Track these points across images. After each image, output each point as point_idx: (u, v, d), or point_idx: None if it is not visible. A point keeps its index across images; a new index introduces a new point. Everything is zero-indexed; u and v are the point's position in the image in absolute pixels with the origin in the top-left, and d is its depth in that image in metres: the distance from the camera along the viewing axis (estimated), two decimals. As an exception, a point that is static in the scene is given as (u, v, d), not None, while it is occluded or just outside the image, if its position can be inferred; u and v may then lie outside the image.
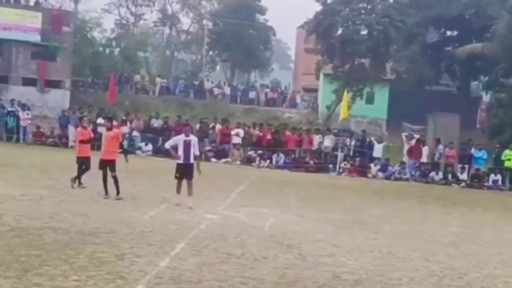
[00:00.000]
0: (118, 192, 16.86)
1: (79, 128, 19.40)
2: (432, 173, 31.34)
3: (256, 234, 13.25)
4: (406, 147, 32.97)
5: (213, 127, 34.48)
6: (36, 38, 43.85)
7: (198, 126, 33.51)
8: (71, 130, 32.23)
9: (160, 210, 15.64)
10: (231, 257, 11.13)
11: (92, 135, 19.11)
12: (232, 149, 32.93)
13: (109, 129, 17.47)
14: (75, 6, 61.68)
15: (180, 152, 16.47)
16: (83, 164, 18.25)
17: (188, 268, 10.08)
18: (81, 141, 18.50)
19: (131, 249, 11.02)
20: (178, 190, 16.53)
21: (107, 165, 16.85)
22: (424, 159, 32.08)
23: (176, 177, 16.55)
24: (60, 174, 17.96)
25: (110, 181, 16.81)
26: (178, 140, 16.87)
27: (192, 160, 16.53)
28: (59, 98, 43.81)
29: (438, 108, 44.37)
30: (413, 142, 32.74)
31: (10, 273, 8.98)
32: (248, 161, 32.44)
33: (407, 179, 30.88)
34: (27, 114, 34.26)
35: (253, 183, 23.77)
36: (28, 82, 43.94)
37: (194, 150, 16.82)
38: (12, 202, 14.93)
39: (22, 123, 33.75)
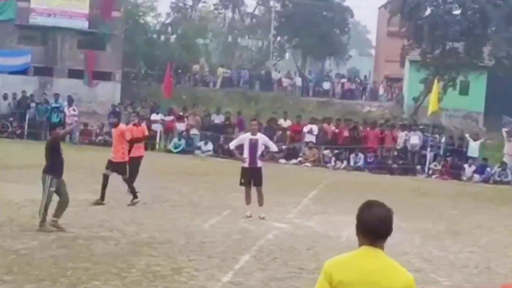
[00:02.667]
0: (134, 197, 16.75)
1: (130, 125, 19.58)
2: (540, 176, 30.67)
3: (332, 246, 13.20)
4: (507, 145, 32.32)
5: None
6: (83, 25, 44.75)
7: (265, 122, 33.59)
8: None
9: (222, 217, 15.75)
10: (303, 271, 11.12)
11: (146, 132, 19.22)
12: (303, 148, 32.91)
13: (115, 125, 17.48)
14: (126, -12, 62.71)
15: (246, 153, 16.26)
16: (134, 166, 18.30)
17: (254, 284, 10.11)
18: (130, 141, 18.69)
19: (189, 262, 11.13)
20: (247, 200, 16.26)
21: (113, 167, 16.75)
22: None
23: (241, 184, 16.36)
24: (111, 177, 18.23)
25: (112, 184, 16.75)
26: (243, 139, 16.70)
27: (259, 164, 16.32)
28: (109, 92, 44.60)
29: (546, 98, 43.40)
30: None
31: (56, 287, 9.20)
32: (323, 161, 32.37)
33: (508, 182, 30.27)
34: (74, 110, 34.94)
35: (327, 187, 23.70)
36: (74, 74, 44.85)
37: (269, 147, 16.81)
38: (58, 209, 15.25)
39: (68, 120, 34.35)
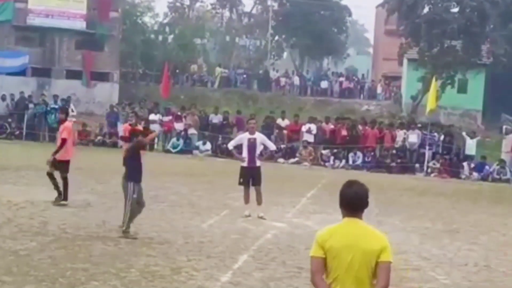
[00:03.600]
0: (64, 197, 15.94)
1: (126, 124, 19.59)
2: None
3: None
4: (506, 143, 32.34)
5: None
6: (81, 25, 44.83)
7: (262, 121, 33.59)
8: (120, 128, 32.76)
9: (221, 217, 15.75)
10: (302, 271, 11.12)
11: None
12: (300, 147, 32.91)
13: (62, 122, 16.77)
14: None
15: (245, 153, 16.26)
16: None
17: (252, 283, 10.13)
18: (122, 138, 18.67)
19: (188, 262, 11.14)
20: (246, 200, 16.24)
21: (56, 165, 16.08)
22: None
23: (240, 183, 16.36)
24: (110, 177, 18.27)
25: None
26: (242, 139, 16.70)
27: (258, 163, 16.31)
28: (107, 92, 44.67)
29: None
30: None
31: (55, 288, 9.21)
32: (320, 160, 32.39)
33: (507, 180, 30.28)
34: (72, 110, 34.83)
35: (326, 187, 23.68)
36: (72, 75, 44.91)
37: (267, 146, 16.83)
38: (56, 210, 15.29)
39: (66, 121, 34.38)
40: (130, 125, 18.91)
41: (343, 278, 5.42)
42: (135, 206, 12.77)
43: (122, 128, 19.22)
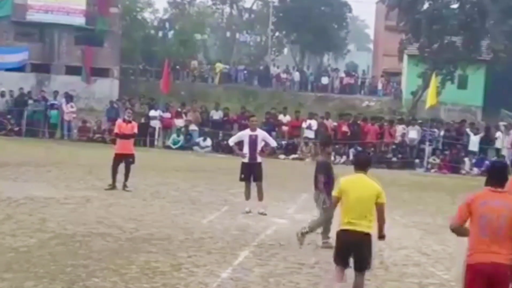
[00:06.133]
0: None
1: (119, 120, 19.56)
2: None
3: (332, 240, 13.18)
4: (506, 138, 32.27)
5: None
6: (80, 21, 44.78)
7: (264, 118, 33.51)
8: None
9: (221, 213, 15.75)
10: (303, 266, 11.13)
11: (135, 130, 18.99)
12: (301, 144, 32.87)
13: None
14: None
15: (246, 149, 16.19)
16: (121, 162, 18.27)
17: (253, 279, 10.12)
18: (116, 135, 18.72)
19: (188, 258, 11.14)
20: (247, 196, 16.21)
21: None
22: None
23: (241, 179, 16.33)
24: (109, 174, 18.25)
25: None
26: (243, 135, 16.65)
27: (259, 159, 16.29)
28: (107, 88, 44.63)
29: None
30: None
31: (56, 285, 9.21)
32: (321, 156, 32.35)
33: (507, 175, 30.17)
34: (72, 107, 34.83)
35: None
36: (72, 71, 44.85)
37: (268, 143, 16.85)
38: (56, 206, 15.29)
39: (66, 117, 34.32)
40: (124, 121, 18.92)
41: (350, 211, 8.70)
42: (328, 216, 12.39)
43: (116, 125, 19.17)
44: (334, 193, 9.11)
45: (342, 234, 8.75)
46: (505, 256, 7.03)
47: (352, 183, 8.85)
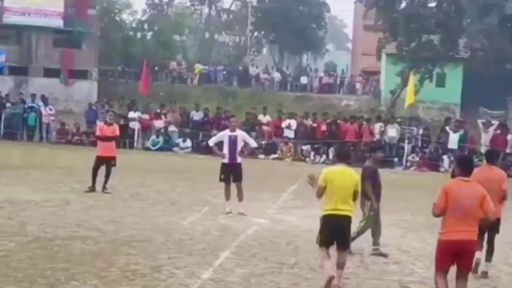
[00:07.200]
0: None
1: (100, 123, 19.51)
2: (518, 166, 30.75)
3: (312, 240, 13.17)
4: (483, 136, 32.43)
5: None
6: (58, 23, 44.56)
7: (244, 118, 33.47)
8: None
9: (202, 214, 15.72)
10: (283, 266, 11.13)
11: (116, 132, 18.95)
12: (280, 144, 32.88)
13: None
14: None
15: (225, 150, 16.18)
16: (102, 165, 18.26)
17: (234, 280, 10.12)
18: (98, 138, 18.68)
19: (169, 260, 11.11)
20: (227, 196, 16.21)
21: None
22: (508, 149, 31.47)
23: (221, 180, 16.31)
24: (88, 177, 18.18)
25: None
26: (223, 136, 16.60)
27: (239, 160, 16.29)
28: (86, 91, 44.47)
29: (520, 89, 43.67)
30: (491, 130, 32.22)
31: (34, 288, 9.15)
32: (301, 156, 32.39)
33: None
34: (50, 109, 34.67)
35: (307, 182, 23.68)
36: (50, 73, 44.64)
37: (248, 143, 16.85)
38: (35, 209, 15.19)
39: (44, 120, 34.15)
40: (105, 123, 18.86)
41: (335, 197, 9.74)
42: (371, 223, 12.66)
43: (98, 127, 19.14)
44: (319, 182, 9.89)
45: (330, 219, 9.79)
46: (472, 232, 8.75)
47: (336, 173, 9.90)
